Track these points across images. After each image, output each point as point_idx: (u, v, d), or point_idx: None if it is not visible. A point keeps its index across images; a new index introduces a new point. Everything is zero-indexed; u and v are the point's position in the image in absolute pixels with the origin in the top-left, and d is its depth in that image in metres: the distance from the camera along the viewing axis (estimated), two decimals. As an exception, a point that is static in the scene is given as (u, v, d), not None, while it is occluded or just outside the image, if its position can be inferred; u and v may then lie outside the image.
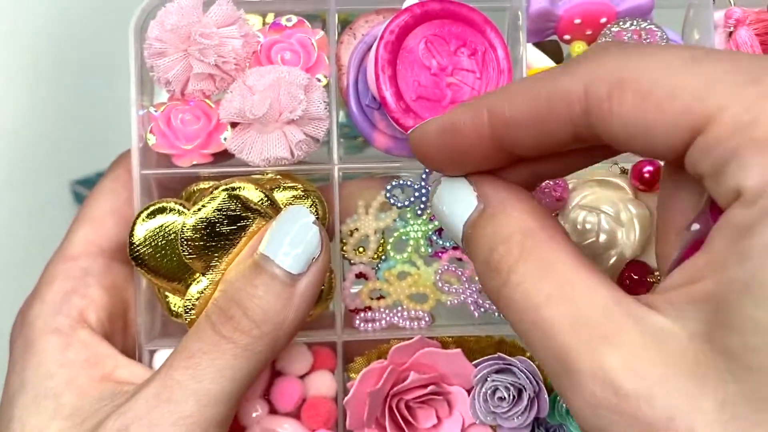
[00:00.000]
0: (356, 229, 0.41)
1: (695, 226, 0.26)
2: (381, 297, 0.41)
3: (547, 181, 0.42)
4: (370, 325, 0.41)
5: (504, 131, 0.27)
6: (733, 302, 0.22)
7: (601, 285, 0.25)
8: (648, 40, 0.40)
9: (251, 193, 0.38)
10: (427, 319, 0.41)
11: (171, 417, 0.33)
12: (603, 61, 0.25)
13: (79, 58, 0.65)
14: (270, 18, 0.42)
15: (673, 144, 0.24)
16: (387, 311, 0.41)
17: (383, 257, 0.41)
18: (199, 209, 0.37)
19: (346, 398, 0.39)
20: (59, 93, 0.65)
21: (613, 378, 0.23)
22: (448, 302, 0.41)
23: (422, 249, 0.41)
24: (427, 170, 0.41)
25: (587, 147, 0.28)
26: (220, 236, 0.37)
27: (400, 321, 0.41)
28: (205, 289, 0.37)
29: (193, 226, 0.37)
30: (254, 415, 0.40)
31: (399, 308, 0.41)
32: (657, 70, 0.24)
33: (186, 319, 0.38)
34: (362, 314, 0.41)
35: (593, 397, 0.23)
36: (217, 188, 0.38)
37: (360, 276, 0.42)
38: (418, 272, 0.41)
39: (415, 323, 0.41)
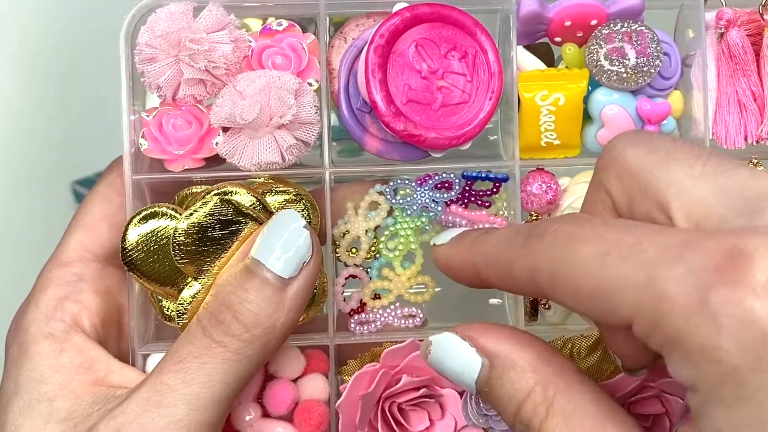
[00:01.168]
0: (347, 231, 0.41)
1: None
2: (377, 297, 0.42)
3: (539, 183, 0.42)
4: (365, 327, 0.41)
5: (486, 275, 0.31)
6: None
7: (617, 428, 0.27)
8: (638, 42, 0.40)
9: (243, 197, 0.38)
10: (421, 316, 0.41)
11: (161, 421, 0.34)
12: (540, 252, 0.28)
13: (79, 60, 0.65)
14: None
15: (615, 326, 0.26)
16: (381, 311, 0.41)
17: (377, 256, 0.41)
18: (191, 214, 0.37)
19: (338, 401, 0.39)
20: (59, 94, 0.65)
21: None
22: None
23: (413, 245, 0.41)
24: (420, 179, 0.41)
25: None
26: (212, 241, 0.37)
27: (395, 320, 0.41)
28: (197, 294, 0.37)
29: (185, 230, 0.37)
30: (247, 418, 0.40)
31: (393, 307, 0.41)
32: (578, 270, 0.26)
33: (178, 323, 0.38)
34: (357, 316, 0.41)
35: None
36: (209, 192, 0.38)
37: (351, 277, 0.42)
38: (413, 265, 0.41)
39: (410, 321, 0.41)
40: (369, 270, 0.41)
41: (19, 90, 0.65)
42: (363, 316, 0.41)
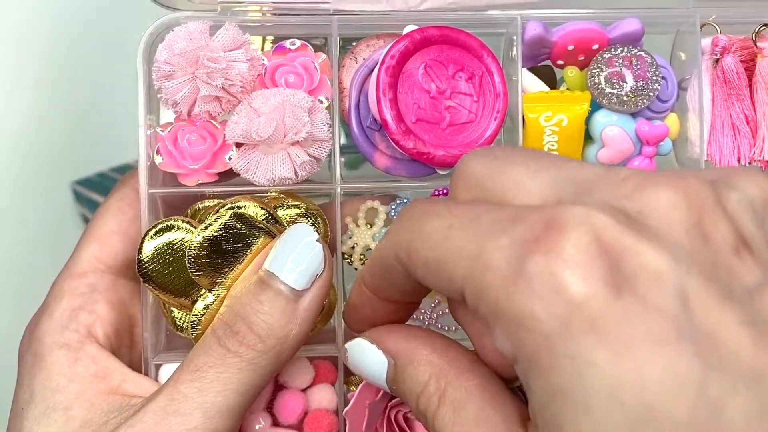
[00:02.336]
0: (356, 243, 0.42)
1: None
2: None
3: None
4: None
5: (380, 294, 0.32)
6: None
7: (501, 417, 0.28)
8: (638, 66, 0.42)
9: (255, 211, 0.39)
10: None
11: (178, 429, 0.34)
12: (399, 230, 0.29)
13: (80, 60, 0.66)
14: (268, 43, 0.43)
15: (459, 298, 0.27)
16: (427, 311, 0.43)
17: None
18: (206, 227, 0.38)
19: (345, 409, 0.40)
20: (60, 94, 0.66)
21: None
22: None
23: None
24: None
25: None
26: (226, 253, 0.38)
27: (438, 324, 0.43)
28: (210, 305, 0.38)
29: (200, 243, 0.38)
30: (257, 427, 0.41)
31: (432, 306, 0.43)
32: (427, 241, 0.28)
33: (192, 333, 0.39)
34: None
35: None
36: (222, 206, 0.39)
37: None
38: None
39: (453, 327, 0.43)
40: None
41: (19, 90, 0.66)
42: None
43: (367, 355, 0.32)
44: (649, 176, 0.25)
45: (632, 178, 0.25)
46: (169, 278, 0.39)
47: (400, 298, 0.32)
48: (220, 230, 0.38)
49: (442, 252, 0.27)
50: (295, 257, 0.36)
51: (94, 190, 0.64)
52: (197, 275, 0.38)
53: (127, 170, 0.61)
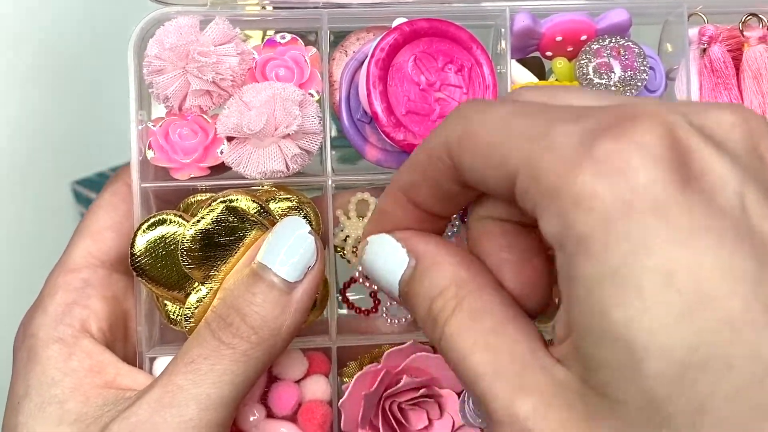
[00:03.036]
0: (348, 236, 0.43)
1: None
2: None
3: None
4: (396, 321, 0.43)
5: (412, 195, 0.31)
6: (582, 347, 0.24)
7: (522, 336, 0.27)
8: (626, 56, 0.42)
9: (247, 204, 0.39)
10: None
11: (173, 421, 0.35)
12: (455, 120, 0.28)
13: (81, 61, 0.66)
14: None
15: (503, 189, 0.26)
16: None
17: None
18: (199, 221, 0.38)
19: (341, 400, 0.40)
20: (60, 94, 0.66)
21: (525, 424, 0.25)
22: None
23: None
24: None
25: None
26: (218, 247, 0.38)
27: None
28: (203, 298, 0.39)
29: (192, 237, 0.38)
30: (252, 419, 0.41)
31: None
32: (484, 126, 0.27)
33: (185, 327, 0.39)
34: (389, 305, 0.43)
35: None
36: (214, 200, 0.39)
37: (354, 281, 0.43)
38: None
39: None
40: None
41: (20, 90, 0.66)
42: (394, 304, 0.43)
43: (387, 252, 0.31)
44: (711, 102, 0.26)
45: (694, 103, 0.26)
46: (162, 272, 0.39)
47: (432, 205, 0.31)
48: (213, 223, 0.38)
49: (499, 135, 0.26)
50: (287, 249, 0.37)
51: (94, 190, 0.64)
52: (190, 268, 0.38)
53: None
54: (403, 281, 0.31)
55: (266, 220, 0.39)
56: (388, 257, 0.32)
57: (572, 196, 0.23)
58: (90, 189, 0.64)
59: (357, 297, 0.44)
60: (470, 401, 0.41)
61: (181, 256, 0.38)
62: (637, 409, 0.23)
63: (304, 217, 0.41)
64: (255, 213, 0.39)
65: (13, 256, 0.65)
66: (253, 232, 0.39)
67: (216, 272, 0.39)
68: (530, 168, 0.25)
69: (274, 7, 0.42)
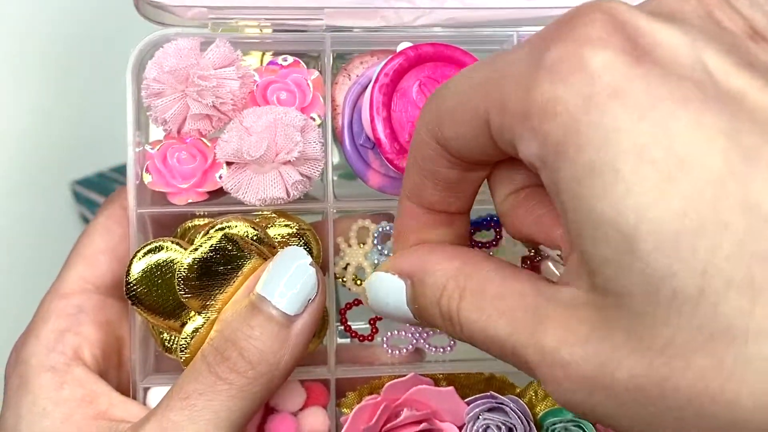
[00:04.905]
0: (348, 264, 0.42)
1: None
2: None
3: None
4: (396, 351, 0.42)
5: (420, 199, 0.32)
6: (583, 252, 0.24)
7: (523, 284, 0.28)
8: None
9: (246, 231, 0.38)
10: (452, 344, 0.42)
11: None
12: (427, 105, 0.30)
13: (81, 61, 0.66)
14: (268, 56, 0.43)
15: (487, 144, 0.27)
16: (414, 331, 0.42)
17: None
18: (196, 249, 0.37)
19: (339, 435, 0.39)
20: (60, 94, 0.66)
21: (554, 355, 0.25)
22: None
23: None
24: None
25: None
26: (216, 275, 0.37)
27: (425, 345, 0.42)
28: (200, 328, 0.38)
29: (189, 265, 0.37)
30: (248, 452, 0.40)
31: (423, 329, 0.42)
32: (450, 91, 0.28)
33: (180, 357, 0.38)
34: (389, 334, 0.42)
35: (551, 376, 0.25)
36: (212, 226, 0.38)
37: (357, 303, 0.42)
38: None
39: (441, 350, 0.42)
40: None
41: (20, 90, 0.66)
42: (396, 334, 0.42)
43: (384, 285, 0.32)
44: None
45: None
46: (158, 300, 0.38)
47: (440, 201, 0.31)
48: (211, 252, 0.37)
49: (465, 92, 0.27)
50: (287, 281, 0.36)
51: (94, 190, 0.64)
52: (187, 297, 0.37)
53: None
54: (410, 303, 0.32)
55: (265, 247, 0.38)
56: (387, 291, 0.32)
57: (537, 110, 0.24)
58: (90, 189, 0.64)
59: (358, 325, 0.43)
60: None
61: (178, 284, 0.37)
62: (642, 294, 0.22)
63: (305, 245, 0.40)
64: (254, 240, 0.38)
65: (13, 255, 0.65)
66: (252, 261, 0.38)
67: (213, 302, 0.38)
68: (495, 103, 0.26)
69: (274, 30, 0.41)
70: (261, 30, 0.41)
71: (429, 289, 0.30)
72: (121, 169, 0.61)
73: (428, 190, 0.31)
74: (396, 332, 0.42)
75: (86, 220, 0.63)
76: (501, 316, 0.27)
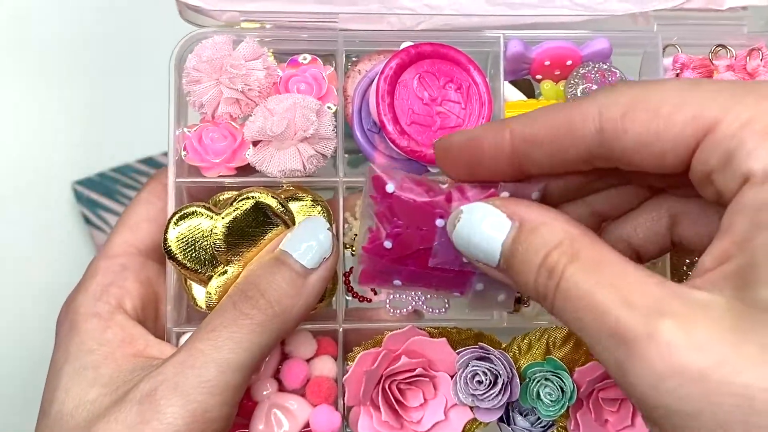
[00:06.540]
0: (356, 234, 0.48)
1: None
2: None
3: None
4: (398, 311, 0.47)
5: (524, 148, 0.33)
6: (759, 264, 0.26)
7: (645, 274, 0.28)
8: (610, 80, 0.47)
9: (270, 201, 0.45)
10: (447, 305, 0.47)
11: (194, 381, 0.39)
12: (615, 91, 0.31)
13: (82, 62, 0.68)
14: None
15: (679, 150, 0.29)
16: (417, 294, 0.47)
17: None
18: (232, 212, 0.43)
19: (345, 376, 0.45)
20: (61, 95, 0.68)
21: (667, 339, 0.26)
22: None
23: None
24: None
25: (591, 171, 0.33)
26: (246, 236, 0.44)
27: (423, 305, 0.47)
28: (227, 280, 0.44)
29: (226, 225, 0.43)
30: (265, 393, 0.45)
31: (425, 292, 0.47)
32: (664, 92, 0.29)
33: (208, 305, 0.44)
34: (391, 299, 0.47)
35: (651, 359, 0.26)
36: (240, 195, 0.45)
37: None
38: None
39: (436, 311, 0.47)
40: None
41: (21, 91, 0.68)
42: (397, 296, 0.47)
43: (484, 218, 0.32)
44: None
45: None
46: (191, 255, 0.44)
47: (541, 169, 0.33)
48: (244, 215, 0.44)
49: (686, 97, 0.29)
50: (308, 240, 0.42)
51: (94, 190, 0.66)
52: (219, 252, 0.43)
53: (127, 170, 0.66)
54: (507, 244, 0.32)
55: (286, 215, 0.44)
56: (486, 224, 0.32)
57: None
58: (90, 189, 0.66)
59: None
60: (462, 381, 0.45)
61: (214, 242, 0.43)
62: None
63: (318, 214, 0.46)
64: (276, 208, 0.44)
65: (14, 255, 0.66)
66: (277, 228, 0.44)
67: (240, 258, 0.44)
68: (737, 116, 0.28)
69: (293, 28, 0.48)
70: (262, 26, 0.48)
71: (539, 240, 0.31)
72: (122, 170, 0.66)
73: (537, 149, 0.32)
74: (397, 295, 0.48)
75: (87, 220, 0.66)
76: (611, 288, 0.28)
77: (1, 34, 0.68)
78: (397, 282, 0.38)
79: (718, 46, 0.48)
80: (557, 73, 0.48)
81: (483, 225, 0.33)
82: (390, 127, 0.45)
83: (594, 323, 0.28)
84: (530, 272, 0.31)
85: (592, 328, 0.28)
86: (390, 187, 0.35)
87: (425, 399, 0.46)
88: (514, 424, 0.46)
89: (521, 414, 0.46)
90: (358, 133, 0.48)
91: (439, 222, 0.35)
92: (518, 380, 0.45)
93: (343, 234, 0.48)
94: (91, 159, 0.66)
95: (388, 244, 0.36)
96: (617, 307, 0.27)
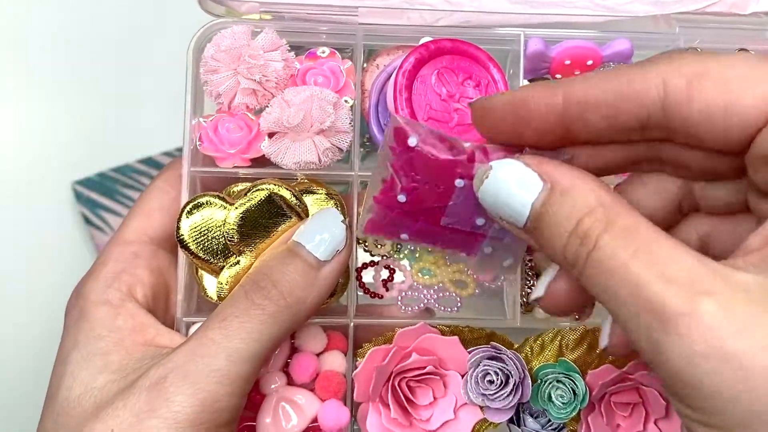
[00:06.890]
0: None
1: None
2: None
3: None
4: (409, 308, 0.47)
5: (577, 111, 0.31)
6: None
7: (683, 248, 0.27)
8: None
9: (283, 192, 0.44)
10: (459, 305, 0.47)
11: (204, 369, 0.38)
12: (680, 58, 0.29)
13: (83, 63, 0.68)
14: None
15: (745, 126, 0.28)
16: (426, 291, 0.47)
17: (399, 246, 0.47)
18: (246, 201, 0.43)
19: (354, 372, 0.44)
20: (61, 95, 0.68)
21: (708, 319, 0.25)
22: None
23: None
24: None
25: (635, 145, 0.32)
26: (259, 226, 0.43)
27: (435, 305, 0.47)
28: (239, 270, 0.43)
29: (240, 215, 0.43)
30: (273, 386, 0.45)
31: (436, 288, 0.46)
32: (734, 66, 0.28)
33: (219, 295, 0.44)
34: (403, 295, 0.47)
35: (690, 339, 0.25)
36: (254, 186, 0.44)
37: (385, 267, 0.48)
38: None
39: (448, 309, 0.47)
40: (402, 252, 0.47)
41: (21, 91, 0.68)
42: (409, 293, 0.47)
43: (514, 176, 0.31)
44: None
45: None
46: (203, 244, 0.44)
47: (590, 135, 0.31)
48: (258, 205, 0.43)
49: (763, 72, 0.28)
50: (321, 232, 0.42)
51: (94, 190, 0.66)
52: (232, 243, 0.43)
53: (127, 170, 0.66)
54: (537, 204, 0.30)
55: (301, 209, 0.44)
56: (516, 182, 0.31)
57: None
58: (90, 189, 0.66)
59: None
60: (473, 380, 0.45)
61: (227, 231, 0.43)
62: None
63: (333, 207, 0.46)
64: (290, 200, 0.44)
65: (15, 254, 0.67)
66: (290, 220, 0.43)
67: (253, 248, 0.43)
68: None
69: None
70: (261, 17, 0.47)
71: (572, 203, 0.29)
72: (122, 169, 0.66)
73: (591, 114, 0.31)
74: (409, 292, 0.48)
75: (87, 220, 0.66)
76: (649, 259, 0.27)
77: (1, 34, 0.68)
78: (404, 236, 0.37)
79: (739, 50, 0.48)
80: (577, 72, 0.48)
81: (512, 183, 0.31)
82: (407, 122, 0.45)
83: (628, 296, 0.27)
84: (560, 237, 0.29)
85: (625, 300, 0.27)
86: (413, 141, 0.34)
87: (435, 397, 0.46)
88: (525, 426, 0.45)
89: (532, 416, 0.46)
90: (374, 128, 0.47)
91: (458, 182, 0.34)
92: (530, 381, 0.45)
93: (356, 228, 0.47)
94: (91, 159, 0.67)
95: (402, 198, 0.36)
96: (655, 281, 0.27)
